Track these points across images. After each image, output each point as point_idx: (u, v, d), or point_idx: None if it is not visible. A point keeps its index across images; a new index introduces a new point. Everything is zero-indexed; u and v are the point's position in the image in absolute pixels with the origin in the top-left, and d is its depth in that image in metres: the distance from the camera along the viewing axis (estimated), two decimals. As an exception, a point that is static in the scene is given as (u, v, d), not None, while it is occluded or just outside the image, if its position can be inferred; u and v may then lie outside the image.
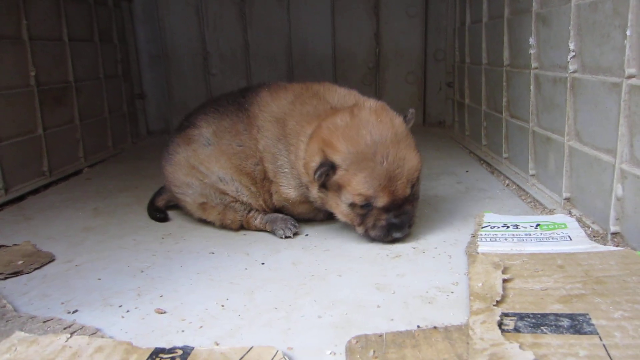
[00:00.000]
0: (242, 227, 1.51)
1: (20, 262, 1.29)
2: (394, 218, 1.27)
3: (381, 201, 1.25)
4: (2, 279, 1.22)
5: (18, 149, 1.99)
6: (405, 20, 3.05)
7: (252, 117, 1.46)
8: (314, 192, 1.35)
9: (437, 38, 3.06)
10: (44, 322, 0.98)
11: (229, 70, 3.13)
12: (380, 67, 3.12)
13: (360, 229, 1.32)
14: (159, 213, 1.64)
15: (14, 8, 2.01)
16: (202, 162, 1.48)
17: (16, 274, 1.24)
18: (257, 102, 1.48)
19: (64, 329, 0.96)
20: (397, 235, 1.30)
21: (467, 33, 2.54)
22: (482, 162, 2.20)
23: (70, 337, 0.88)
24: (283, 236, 1.42)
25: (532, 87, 1.71)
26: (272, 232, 1.46)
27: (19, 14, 2.03)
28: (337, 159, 1.25)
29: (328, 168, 1.25)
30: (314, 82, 1.51)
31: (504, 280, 0.99)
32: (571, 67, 1.42)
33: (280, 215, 1.49)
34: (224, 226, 1.51)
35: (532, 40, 1.68)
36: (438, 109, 3.17)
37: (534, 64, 1.69)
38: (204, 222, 1.58)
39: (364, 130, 1.25)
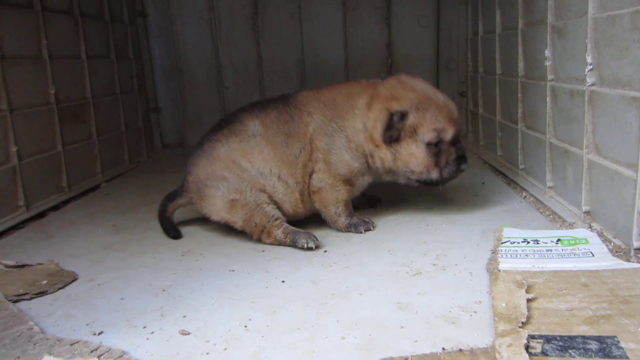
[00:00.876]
0: (259, 238, 1.52)
1: (45, 281, 1.31)
2: (459, 151, 1.49)
3: (450, 132, 1.45)
4: (27, 300, 1.24)
5: (38, 166, 2.02)
6: (417, 31, 3.06)
7: (301, 105, 1.57)
8: (382, 155, 1.49)
9: (449, 48, 3.06)
10: (71, 344, 0.99)
11: (243, 83, 3.16)
12: (393, 77, 3.12)
13: (434, 172, 1.48)
14: (173, 231, 1.64)
15: (35, 29, 2.05)
16: (245, 155, 1.53)
17: (41, 294, 1.26)
18: (303, 95, 1.61)
19: (91, 351, 0.97)
20: (464, 166, 1.50)
21: (479, 43, 2.54)
22: (497, 173, 2.19)
23: (98, 360, 0.89)
24: (305, 246, 1.44)
25: (548, 99, 1.70)
26: (293, 244, 1.47)
27: (39, 35, 2.07)
28: (404, 105, 1.45)
29: (400, 115, 1.43)
30: None
31: (528, 300, 0.98)
32: (589, 80, 1.41)
33: (303, 230, 1.51)
34: (246, 229, 1.53)
35: (547, 52, 1.68)
36: (451, 118, 3.16)
37: (550, 76, 1.69)
38: (222, 236, 1.59)
39: (413, 85, 1.49)
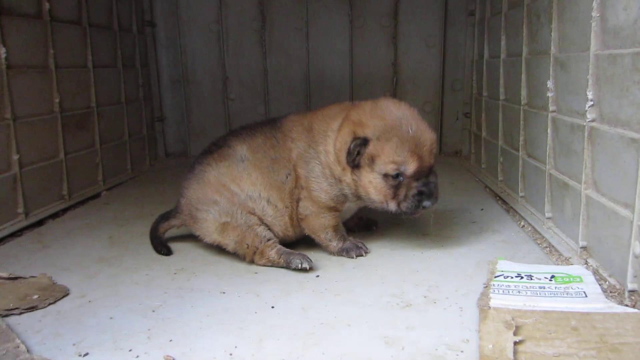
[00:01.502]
0: (252, 260, 1.52)
1: (36, 296, 1.32)
2: (423, 186, 1.39)
3: (411, 167, 1.38)
4: (17, 314, 1.24)
5: (39, 173, 2.04)
6: (424, 50, 3.06)
7: (287, 130, 1.59)
8: (347, 179, 1.46)
9: (455, 68, 3.06)
10: (55, 366, 0.99)
11: (248, 95, 3.18)
12: (398, 95, 3.13)
13: (392, 204, 1.42)
14: (162, 248, 1.65)
15: (42, 38, 2.07)
16: (234, 179, 1.55)
17: (31, 309, 1.26)
18: (289, 120, 1.63)
19: (74, 375, 0.97)
20: (427, 204, 1.40)
21: (485, 66, 2.54)
22: (497, 198, 2.18)
23: (80, 387, 0.89)
24: (299, 266, 1.44)
25: (549, 130, 1.69)
26: (287, 265, 1.47)
27: (46, 44, 2.10)
28: (367, 132, 1.40)
29: (361, 142, 1.39)
30: None
31: (515, 343, 0.97)
32: (589, 116, 1.40)
33: (296, 251, 1.52)
34: (238, 251, 1.53)
35: (550, 84, 1.67)
36: (454, 138, 3.16)
37: (551, 107, 1.68)
38: (215, 255, 1.59)
39: (387, 110, 1.43)
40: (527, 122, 1.95)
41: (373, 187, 1.42)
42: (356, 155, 1.41)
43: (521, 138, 1.99)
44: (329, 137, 1.49)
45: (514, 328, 1.02)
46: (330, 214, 1.55)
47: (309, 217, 1.55)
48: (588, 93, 1.40)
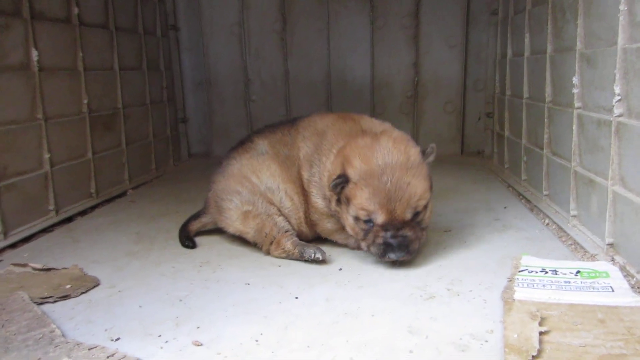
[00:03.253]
0: (269, 250, 1.56)
1: (69, 286, 1.36)
2: (391, 238, 1.36)
3: (380, 219, 1.36)
4: (51, 302, 1.28)
5: (69, 172, 2.10)
6: (446, 50, 3.06)
7: (300, 129, 1.63)
8: (333, 206, 1.48)
9: (477, 68, 3.05)
10: (89, 349, 1.03)
11: (269, 97, 3.22)
12: (419, 96, 3.13)
13: (363, 244, 1.43)
14: (188, 241, 1.70)
15: (71, 42, 2.14)
16: (254, 171, 1.61)
17: (64, 297, 1.31)
18: (306, 120, 1.67)
19: (107, 357, 1.00)
20: (392, 256, 1.36)
21: (508, 65, 2.52)
22: (521, 197, 2.16)
23: (113, 367, 0.92)
24: (312, 256, 1.47)
25: (574, 127, 1.68)
26: (300, 256, 1.49)
27: (75, 47, 2.17)
28: (350, 173, 1.38)
29: (342, 180, 1.39)
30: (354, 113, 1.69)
31: (541, 333, 0.97)
32: (616, 111, 1.39)
33: (313, 244, 1.54)
34: (257, 239, 1.57)
35: (575, 80, 1.66)
36: (476, 139, 3.14)
37: (577, 104, 1.67)
38: (240, 249, 1.62)
39: (379, 153, 1.39)
40: (551, 120, 1.93)
41: (346, 223, 1.44)
42: (339, 190, 1.41)
43: (545, 136, 1.97)
44: (332, 155, 1.49)
45: (539, 319, 1.02)
46: (333, 220, 1.55)
47: (318, 223, 1.59)
48: (615, 88, 1.39)
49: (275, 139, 1.65)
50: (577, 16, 1.64)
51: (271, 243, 1.55)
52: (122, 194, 2.44)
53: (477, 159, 3.04)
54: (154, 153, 2.85)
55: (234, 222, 1.61)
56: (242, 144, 1.72)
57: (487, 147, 3.04)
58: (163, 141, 3.00)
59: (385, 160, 1.37)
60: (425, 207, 1.41)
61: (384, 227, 1.36)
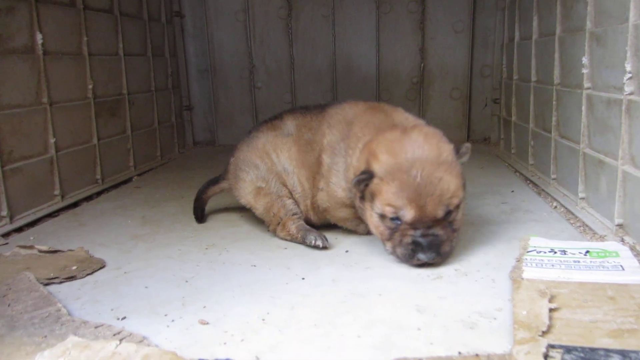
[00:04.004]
0: (275, 229, 1.56)
1: (74, 267, 1.36)
2: (421, 237, 1.25)
3: (409, 215, 1.25)
4: (57, 283, 1.28)
5: (74, 157, 2.10)
6: (452, 36, 3.02)
7: (328, 116, 1.59)
8: (356, 203, 1.42)
9: (483, 54, 3.02)
10: (95, 327, 1.02)
11: (274, 84, 3.20)
12: (425, 82, 3.10)
13: (388, 245, 1.32)
14: (200, 212, 1.77)
15: (77, 26, 2.13)
16: (275, 149, 1.61)
17: (70, 278, 1.31)
18: (336, 106, 1.63)
19: (114, 335, 1.00)
20: (421, 257, 1.25)
21: (515, 49, 2.49)
22: (528, 182, 2.14)
23: (120, 343, 0.92)
24: (313, 243, 1.45)
25: (584, 108, 1.66)
26: (302, 240, 1.49)
27: (80, 32, 2.16)
28: (376, 167, 1.29)
29: (367, 177, 1.30)
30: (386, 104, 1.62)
31: (550, 310, 0.96)
32: (627, 89, 1.37)
33: (315, 229, 1.52)
34: (264, 217, 1.59)
35: (585, 60, 1.63)
36: (483, 125, 3.12)
37: (586, 84, 1.64)
38: (246, 232, 1.61)
39: (408, 147, 1.29)
40: (559, 102, 1.91)
41: (370, 221, 1.35)
42: (363, 187, 1.33)
43: (553, 119, 1.95)
44: (358, 149, 1.41)
45: (549, 296, 1.01)
46: (348, 209, 1.50)
47: (329, 210, 1.54)
48: (626, 65, 1.37)
49: (304, 121, 1.63)
50: (588, -5, 1.61)
51: (278, 224, 1.55)
52: (128, 180, 2.44)
53: (483, 145, 3.01)
54: (159, 140, 2.85)
55: (246, 194, 1.63)
56: (274, 119, 1.71)
57: (494, 134, 3.01)
58: (168, 128, 3.00)
59: (415, 154, 1.26)
60: (458, 206, 1.29)
61: (413, 224, 1.25)
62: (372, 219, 1.33)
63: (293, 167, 1.59)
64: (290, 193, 1.59)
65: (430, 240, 1.24)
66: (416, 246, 1.25)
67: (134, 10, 2.62)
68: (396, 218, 1.27)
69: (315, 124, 1.59)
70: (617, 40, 1.43)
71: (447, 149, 1.31)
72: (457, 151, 1.33)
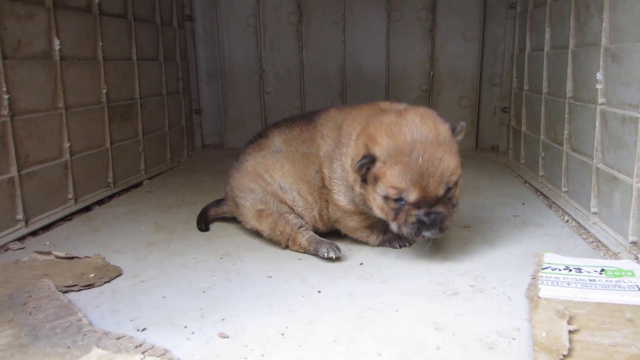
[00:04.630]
0: (287, 245, 1.56)
1: (92, 275, 1.37)
2: (425, 216, 1.31)
3: (412, 196, 1.31)
4: (76, 291, 1.30)
5: (88, 161, 2.11)
6: (462, 44, 3.03)
7: (319, 126, 1.58)
8: (357, 189, 1.42)
9: (493, 62, 3.02)
10: (117, 339, 1.03)
11: (284, 89, 3.21)
12: (434, 90, 3.11)
13: (394, 225, 1.37)
14: (203, 224, 1.78)
15: (92, 32, 2.15)
16: (267, 170, 1.59)
17: (88, 286, 1.32)
18: (324, 115, 1.62)
19: (136, 347, 1.01)
20: (426, 234, 1.32)
21: (526, 60, 2.50)
22: (538, 193, 2.15)
23: (144, 357, 0.93)
24: (326, 255, 1.46)
25: (597, 123, 1.66)
26: (315, 252, 1.49)
27: (95, 37, 2.17)
28: (376, 151, 1.33)
29: (369, 160, 1.33)
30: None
31: (570, 332, 0.97)
32: (643, 108, 1.37)
33: (327, 239, 1.53)
34: (272, 237, 1.58)
35: (599, 76, 1.64)
36: (491, 134, 3.12)
37: (600, 100, 1.65)
38: (259, 241, 1.62)
39: (406, 129, 1.33)
40: (572, 116, 1.91)
41: (374, 204, 1.38)
42: (365, 170, 1.36)
43: (565, 132, 1.96)
44: (352, 141, 1.45)
45: (568, 317, 1.01)
46: (358, 216, 1.53)
47: (340, 220, 1.56)
48: (642, 84, 1.37)
49: (292, 135, 1.61)
50: (603, 10, 1.62)
51: (288, 240, 1.55)
52: (139, 184, 2.45)
53: (491, 154, 3.02)
54: (169, 144, 2.86)
55: (249, 219, 1.62)
56: (259, 137, 1.70)
57: (502, 143, 3.02)
58: (178, 132, 3.01)
59: (414, 136, 1.31)
60: (456, 183, 1.35)
61: (417, 204, 1.31)
62: (376, 202, 1.38)
63: (290, 183, 1.57)
64: (292, 208, 1.57)
65: (434, 218, 1.31)
66: (421, 224, 1.32)
67: (147, 14, 2.63)
68: (400, 199, 1.33)
69: (308, 136, 1.58)
70: (633, 58, 1.44)
71: (444, 128, 1.36)
72: (453, 130, 1.39)
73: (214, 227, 1.80)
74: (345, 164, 1.47)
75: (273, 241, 1.59)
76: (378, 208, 1.38)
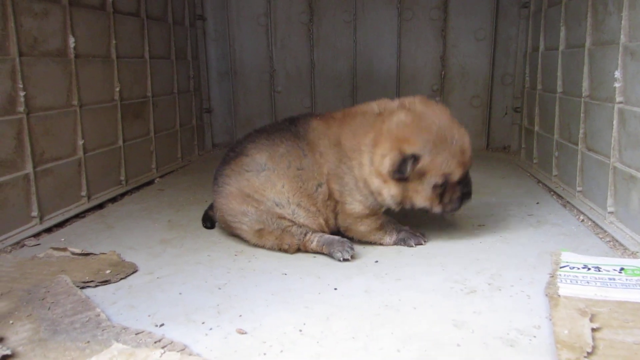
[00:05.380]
0: (299, 250, 1.54)
1: (108, 271, 1.38)
2: (464, 188, 1.47)
3: (457, 175, 1.43)
4: (93, 287, 1.30)
5: (101, 159, 2.12)
6: (473, 43, 3.02)
7: (312, 143, 1.53)
8: (391, 191, 1.45)
9: (505, 62, 3.01)
10: (136, 334, 1.04)
11: (294, 88, 3.21)
12: (445, 89, 3.10)
13: (438, 208, 1.47)
14: (208, 222, 1.77)
15: (106, 29, 2.16)
16: (256, 190, 1.52)
17: (105, 282, 1.32)
18: (312, 130, 1.55)
19: (155, 342, 1.01)
20: (467, 202, 1.50)
21: (539, 59, 2.48)
22: (552, 193, 2.13)
23: (164, 352, 0.93)
24: (341, 259, 1.45)
25: (615, 122, 1.65)
26: (330, 255, 1.48)
27: (109, 35, 2.18)
28: (416, 149, 1.39)
29: (414, 159, 1.39)
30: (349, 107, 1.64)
31: (592, 330, 0.96)
32: (663, 106, 1.36)
33: (337, 237, 1.51)
34: (282, 251, 1.53)
35: (617, 74, 1.63)
36: (503, 133, 3.11)
37: (618, 98, 1.63)
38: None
39: (429, 119, 1.42)
40: (588, 115, 1.90)
41: (420, 196, 1.45)
42: (408, 172, 1.39)
43: (581, 131, 1.94)
44: (364, 152, 1.46)
45: (590, 315, 1.00)
46: (370, 219, 1.53)
47: (351, 228, 1.55)
48: (662, 81, 1.36)
49: (279, 152, 1.52)
50: (622, 8, 1.60)
51: (298, 249, 1.52)
52: (150, 182, 2.46)
53: (503, 154, 3.01)
54: (180, 142, 2.87)
55: (251, 239, 1.56)
56: (235, 156, 1.58)
57: (514, 142, 3.00)
58: (189, 130, 3.02)
59: (437, 124, 1.41)
60: None
61: (459, 181, 1.44)
62: (424, 193, 1.45)
63: (287, 198, 1.50)
64: (292, 221, 1.51)
65: (470, 186, 1.51)
66: (464, 196, 1.48)
67: (159, 13, 2.64)
68: (444, 183, 1.43)
69: (301, 153, 1.51)
70: (653, 55, 1.43)
71: (442, 106, 1.50)
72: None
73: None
74: (362, 172, 1.47)
75: (283, 252, 1.54)
76: (426, 199, 1.46)
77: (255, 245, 1.57)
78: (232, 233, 1.63)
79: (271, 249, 1.54)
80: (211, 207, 1.78)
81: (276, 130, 1.59)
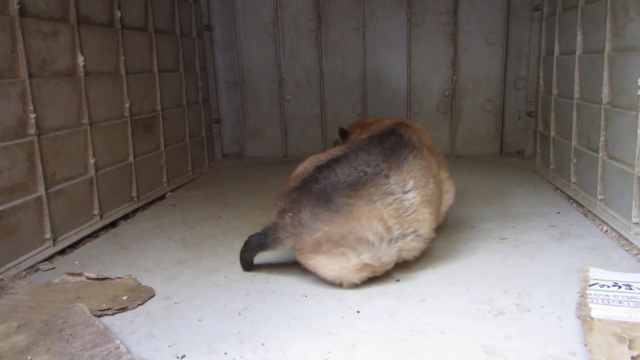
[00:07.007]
0: None
1: (125, 297, 1.35)
2: None
3: None
4: (110, 315, 1.27)
5: (112, 176, 2.10)
6: (485, 48, 2.98)
7: (432, 161, 1.59)
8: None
9: (517, 66, 2.96)
10: (158, 368, 1.01)
11: (304, 96, 3.18)
12: (457, 94, 3.06)
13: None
14: (248, 265, 1.52)
15: (114, 45, 2.14)
16: (392, 215, 1.36)
17: (122, 309, 1.29)
18: (412, 134, 1.62)
19: (177, 377, 0.98)
20: None
21: (555, 63, 2.44)
22: (572, 201, 2.09)
23: (188, 390, 0.90)
24: None
25: (639, 131, 1.60)
26: None
27: (118, 51, 2.16)
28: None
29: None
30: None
31: (632, 358, 0.92)
32: (693, 116, 1.31)
33: None
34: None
35: (640, 81, 1.58)
36: (516, 138, 3.06)
37: (642, 106, 1.59)
38: (291, 258, 1.59)
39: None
40: (608, 122, 1.85)
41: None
42: None
43: (601, 139, 1.89)
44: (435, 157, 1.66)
45: (628, 342, 0.96)
46: None
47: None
48: (691, 91, 1.31)
49: (421, 174, 1.45)
50: (644, 14, 1.56)
51: None
52: (162, 197, 2.44)
53: (517, 159, 2.96)
54: (190, 154, 2.85)
55: (342, 269, 1.33)
56: (372, 177, 1.38)
57: (528, 147, 2.96)
58: (198, 142, 2.99)
59: None
60: None
61: None
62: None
63: (427, 229, 1.41)
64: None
65: None
66: None
67: (167, 26, 2.62)
68: None
69: (435, 172, 1.59)
70: (679, 63, 1.38)
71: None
72: None
73: (239, 243, 1.73)
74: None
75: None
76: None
77: (325, 279, 1.36)
78: (301, 257, 1.38)
79: (343, 285, 1.36)
80: (254, 246, 1.45)
81: (392, 146, 1.49)
